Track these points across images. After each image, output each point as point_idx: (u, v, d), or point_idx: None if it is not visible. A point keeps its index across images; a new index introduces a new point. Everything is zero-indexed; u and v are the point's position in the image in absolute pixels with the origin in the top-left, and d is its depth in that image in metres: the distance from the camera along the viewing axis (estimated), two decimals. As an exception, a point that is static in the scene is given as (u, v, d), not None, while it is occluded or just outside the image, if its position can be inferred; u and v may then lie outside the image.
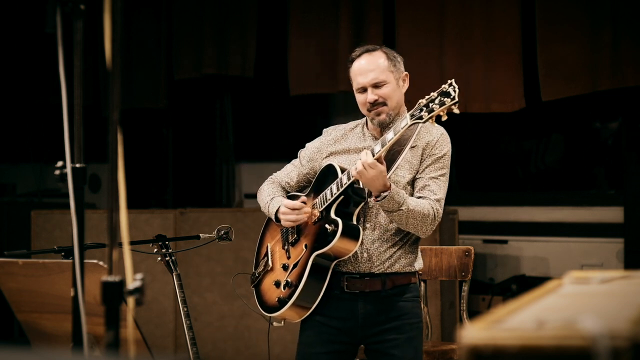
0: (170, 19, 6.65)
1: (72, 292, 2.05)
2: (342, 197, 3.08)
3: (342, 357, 3.19)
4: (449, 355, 3.85)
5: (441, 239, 5.57)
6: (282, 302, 3.15)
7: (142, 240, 3.71)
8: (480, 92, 5.64)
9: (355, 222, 3.09)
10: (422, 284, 4.12)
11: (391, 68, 3.15)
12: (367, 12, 5.94)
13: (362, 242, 3.08)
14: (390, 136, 2.97)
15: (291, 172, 3.37)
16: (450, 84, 2.88)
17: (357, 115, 3.35)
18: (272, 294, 3.22)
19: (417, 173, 3.13)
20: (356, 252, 3.08)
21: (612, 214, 6.29)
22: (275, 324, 3.27)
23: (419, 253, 3.23)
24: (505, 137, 7.54)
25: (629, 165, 6.15)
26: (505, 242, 6.65)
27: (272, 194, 3.32)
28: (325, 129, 3.36)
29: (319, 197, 3.15)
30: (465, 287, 3.98)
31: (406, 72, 3.22)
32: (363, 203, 3.10)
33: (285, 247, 3.24)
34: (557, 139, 7.41)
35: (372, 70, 3.13)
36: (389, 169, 3.02)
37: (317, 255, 3.07)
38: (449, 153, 3.16)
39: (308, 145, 3.37)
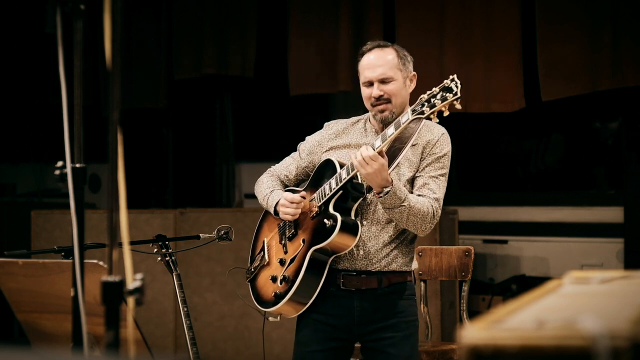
0: (170, 19, 6.65)
1: (72, 292, 2.05)
2: (340, 192, 3.07)
3: (338, 355, 3.18)
4: (449, 355, 3.85)
5: (441, 239, 5.57)
6: (278, 297, 3.14)
7: (142, 240, 3.71)
8: (480, 92, 5.64)
9: (353, 218, 3.09)
10: (422, 284, 4.12)
11: (400, 66, 3.15)
12: (367, 12, 5.94)
13: (360, 238, 3.07)
14: (391, 131, 2.96)
15: (290, 165, 3.36)
16: (452, 80, 2.89)
17: (357, 115, 3.35)
18: (269, 288, 3.21)
19: (417, 171, 3.12)
20: (352, 249, 3.08)
21: (612, 214, 6.29)
22: (270, 319, 3.26)
23: (414, 253, 3.23)
24: (505, 137, 7.54)
25: (629, 165, 6.15)
26: (505, 242, 6.65)
27: (271, 187, 3.30)
28: (326, 123, 3.34)
29: (317, 191, 3.14)
30: (465, 287, 3.98)
31: (414, 73, 3.21)
32: (362, 199, 3.10)
33: (283, 242, 3.23)
34: (557, 139, 7.41)
35: (381, 65, 3.13)
36: (389, 166, 3.01)
37: (315, 250, 3.06)
38: (450, 153, 3.16)
39: (308, 138, 3.36)
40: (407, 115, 2.93)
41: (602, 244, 6.31)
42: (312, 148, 3.30)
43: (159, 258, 3.76)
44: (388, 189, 2.93)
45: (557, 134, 7.38)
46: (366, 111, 3.27)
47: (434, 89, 2.91)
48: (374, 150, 2.93)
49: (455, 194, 7.08)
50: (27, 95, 7.17)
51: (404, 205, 2.96)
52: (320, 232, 3.06)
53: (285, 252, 3.20)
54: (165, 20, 6.66)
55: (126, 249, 1.87)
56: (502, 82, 5.59)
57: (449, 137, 3.18)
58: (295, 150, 3.40)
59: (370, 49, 3.19)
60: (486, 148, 7.57)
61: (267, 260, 3.28)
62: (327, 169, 3.16)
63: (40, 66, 6.90)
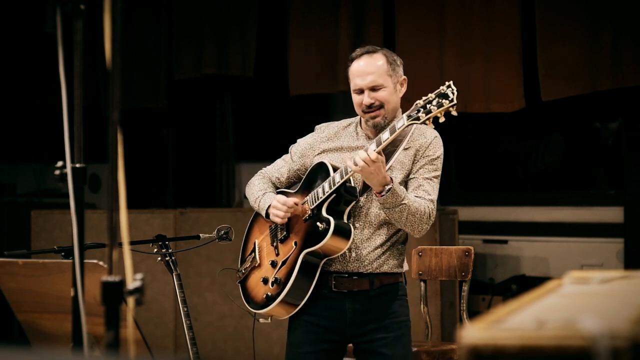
0: (170, 19, 6.65)
1: (72, 292, 2.05)
2: (334, 195, 3.07)
3: (330, 356, 3.19)
4: (449, 355, 3.85)
5: (441, 239, 5.57)
6: (270, 299, 3.14)
7: (142, 240, 3.71)
8: (480, 92, 5.64)
9: (346, 221, 3.09)
10: (422, 284, 4.13)
11: (390, 72, 3.15)
12: (367, 12, 5.94)
13: (352, 241, 3.07)
14: (386, 136, 2.96)
15: (282, 167, 3.35)
16: (449, 86, 2.88)
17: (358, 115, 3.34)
18: (260, 290, 3.21)
19: (409, 174, 3.13)
20: (345, 251, 3.08)
21: (612, 214, 6.29)
22: (261, 320, 3.26)
23: (405, 256, 3.23)
24: (505, 137, 7.54)
25: (629, 165, 6.15)
26: (505, 242, 6.65)
27: (263, 189, 3.30)
28: (317, 126, 3.34)
29: (310, 194, 3.14)
30: (465, 287, 3.98)
31: (404, 77, 3.21)
32: (354, 202, 3.10)
33: (274, 244, 3.23)
34: (557, 139, 7.41)
35: (371, 73, 3.13)
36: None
37: (307, 253, 3.07)
38: (442, 156, 3.17)
39: (300, 141, 3.35)
40: (402, 121, 2.93)
41: (602, 244, 6.31)
42: (304, 151, 3.30)
43: (159, 258, 3.76)
44: (389, 186, 2.93)
45: (557, 134, 7.38)
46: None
47: (430, 94, 2.91)
48: (373, 151, 2.93)
49: (455, 194, 7.09)
50: (27, 95, 7.17)
51: (404, 204, 2.97)
52: (313, 235, 3.07)
53: (277, 254, 3.20)
54: (165, 20, 6.66)
55: (126, 249, 1.87)
56: (502, 82, 5.59)
57: (441, 140, 3.20)
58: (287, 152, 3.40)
59: (359, 55, 3.19)
60: (486, 148, 7.57)
61: (258, 261, 3.28)
62: (319, 171, 3.16)
63: (40, 66, 6.90)
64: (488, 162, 7.53)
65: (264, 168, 3.42)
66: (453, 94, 2.86)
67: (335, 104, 6.99)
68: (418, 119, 2.89)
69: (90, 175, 6.70)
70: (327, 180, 3.08)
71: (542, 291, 1.66)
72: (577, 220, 6.46)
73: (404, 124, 2.92)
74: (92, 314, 2.24)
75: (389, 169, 3.07)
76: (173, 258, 3.75)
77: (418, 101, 2.91)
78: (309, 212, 3.12)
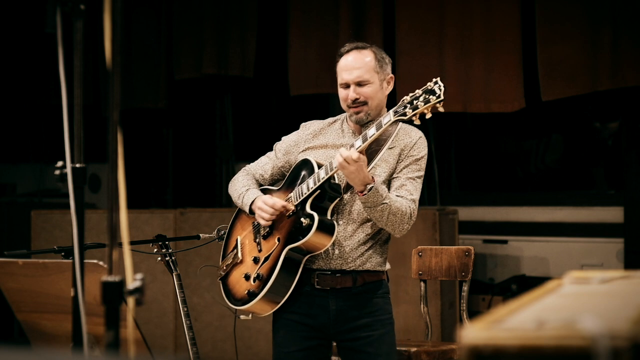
0: (170, 19, 6.65)
1: (72, 292, 2.05)
2: (318, 191, 3.08)
3: (317, 353, 3.19)
4: (449, 355, 3.85)
5: (441, 239, 5.57)
6: (252, 295, 3.13)
7: (142, 240, 3.71)
8: (480, 92, 5.64)
9: (329, 217, 3.09)
10: (422, 284, 4.13)
11: (377, 69, 3.16)
12: (367, 12, 5.94)
13: (335, 238, 3.08)
14: (372, 132, 2.97)
15: (266, 164, 3.36)
16: (436, 82, 2.90)
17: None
18: (242, 286, 3.21)
19: (393, 173, 3.14)
20: (328, 248, 3.08)
21: (612, 214, 6.29)
22: (242, 317, 3.25)
23: (387, 255, 3.24)
24: (505, 137, 7.55)
25: (629, 165, 6.15)
26: (505, 242, 6.65)
27: (247, 185, 3.30)
28: (303, 124, 3.35)
29: (294, 190, 3.15)
30: (465, 287, 3.98)
31: (392, 75, 3.22)
32: (338, 199, 3.10)
33: (257, 240, 3.22)
34: (557, 139, 7.41)
35: (358, 68, 3.14)
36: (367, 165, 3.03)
37: (290, 249, 3.07)
38: (426, 157, 3.18)
39: (284, 138, 3.36)
40: (389, 117, 2.94)
41: (602, 244, 6.31)
42: (289, 148, 3.31)
43: (159, 258, 3.76)
44: (371, 185, 2.95)
45: (557, 134, 7.38)
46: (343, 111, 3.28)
47: (416, 90, 2.92)
48: (355, 149, 2.94)
49: (455, 194, 7.09)
50: (28, 95, 7.17)
51: (385, 203, 2.98)
52: (297, 231, 3.07)
53: (260, 251, 3.20)
54: (165, 20, 6.66)
55: (126, 249, 1.87)
56: (502, 82, 5.59)
57: (426, 141, 3.20)
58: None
59: (348, 51, 3.20)
60: (486, 148, 7.57)
61: (240, 258, 3.27)
62: (304, 168, 3.17)
63: (40, 66, 6.90)
64: (488, 162, 7.53)
65: (248, 165, 3.43)
66: (440, 90, 2.88)
67: (335, 104, 6.98)
68: (405, 114, 2.90)
69: (90, 175, 6.71)
70: (312, 176, 3.09)
71: (542, 291, 1.66)
72: (577, 220, 6.46)
73: (390, 120, 2.93)
74: (92, 314, 2.24)
75: (373, 167, 3.08)
76: (173, 258, 3.75)
77: (405, 97, 2.93)
78: (293, 208, 3.12)
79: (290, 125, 3.45)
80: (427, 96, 2.88)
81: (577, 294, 1.68)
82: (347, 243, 3.12)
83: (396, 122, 2.95)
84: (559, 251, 6.47)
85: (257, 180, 3.36)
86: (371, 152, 3.07)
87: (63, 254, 3.32)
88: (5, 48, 7.12)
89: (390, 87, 3.21)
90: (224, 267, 3.33)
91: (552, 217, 6.55)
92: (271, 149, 3.41)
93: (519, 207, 6.71)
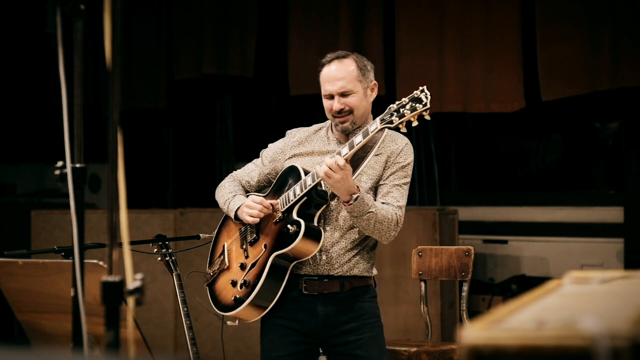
0: (170, 19, 6.65)
1: (72, 292, 2.05)
2: (304, 198, 3.08)
3: (305, 358, 3.20)
4: (449, 355, 3.85)
5: (441, 239, 5.57)
6: (238, 302, 3.14)
7: (142, 240, 3.72)
8: (480, 92, 5.64)
9: (316, 224, 3.10)
10: (422, 284, 4.13)
11: (360, 77, 3.16)
12: (367, 12, 5.94)
13: (322, 244, 3.08)
14: (359, 139, 2.98)
15: (252, 171, 3.37)
16: (422, 90, 2.90)
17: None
18: (228, 293, 3.21)
19: (379, 180, 3.14)
20: (315, 254, 3.09)
21: (612, 214, 6.29)
22: (229, 323, 3.25)
23: (374, 260, 3.24)
24: (505, 137, 7.55)
25: (629, 165, 6.15)
26: (505, 242, 6.65)
27: (233, 192, 3.31)
28: (288, 131, 3.37)
29: (281, 197, 3.15)
30: (465, 287, 3.98)
31: (375, 82, 3.23)
32: (325, 206, 3.11)
33: (244, 247, 3.23)
34: (557, 139, 7.41)
35: (341, 78, 3.14)
36: (352, 174, 3.03)
37: (277, 256, 3.07)
38: (412, 163, 3.19)
39: (271, 145, 3.38)
40: (375, 124, 2.95)
41: (602, 244, 6.31)
42: (275, 155, 3.32)
43: (159, 258, 3.76)
44: (357, 195, 2.95)
45: (557, 134, 7.38)
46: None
47: (403, 99, 2.93)
48: (342, 157, 2.95)
49: (455, 194, 7.09)
50: (28, 95, 7.16)
51: (372, 212, 2.99)
52: (283, 238, 3.07)
53: (247, 257, 3.20)
54: (165, 20, 6.66)
55: (126, 249, 1.87)
56: (502, 82, 5.59)
57: (412, 148, 3.22)
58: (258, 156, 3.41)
59: (329, 61, 3.21)
60: (486, 148, 7.57)
61: (227, 264, 3.28)
62: (291, 175, 3.18)
63: (41, 66, 6.90)
64: (488, 162, 7.53)
65: (234, 172, 3.44)
66: (426, 98, 2.88)
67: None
68: (391, 122, 2.91)
69: (90, 175, 6.71)
70: (299, 183, 3.09)
71: (542, 291, 1.66)
72: (577, 220, 6.46)
73: (377, 128, 2.93)
74: (92, 314, 2.24)
75: (359, 174, 3.08)
76: (173, 258, 3.76)
77: (391, 105, 2.94)
78: (280, 214, 3.13)
79: (290, 125, 3.45)
80: (413, 104, 2.89)
81: (577, 294, 1.68)
82: (334, 249, 3.13)
83: (382, 129, 2.96)
84: (559, 251, 6.47)
85: (243, 187, 3.37)
86: (357, 159, 3.07)
87: (63, 254, 3.32)
88: (5, 48, 7.12)
89: (374, 94, 3.22)
90: (211, 273, 3.33)
91: (552, 217, 6.55)
92: None
93: (519, 207, 6.70)
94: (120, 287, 1.87)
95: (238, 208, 3.22)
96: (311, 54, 6.11)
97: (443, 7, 5.72)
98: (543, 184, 7.35)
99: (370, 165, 3.12)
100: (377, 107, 3.17)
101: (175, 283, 3.73)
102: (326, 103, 3.19)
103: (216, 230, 3.43)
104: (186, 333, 3.72)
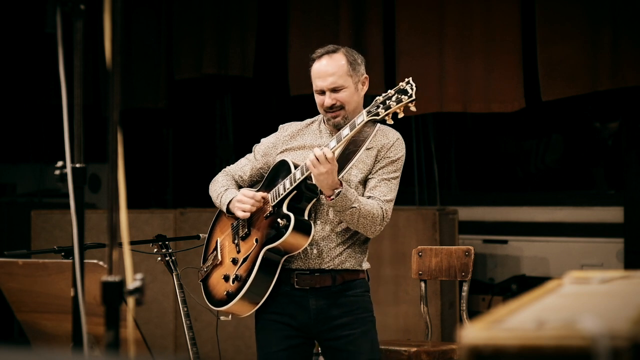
0: (170, 19, 6.64)
1: (72, 292, 2.05)
2: (294, 192, 3.10)
3: (301, 351, 3.21)
4: (449, 355, 3.85)
5: (441, 239, 5.57)
6: (230, 296, 3.15)
7: (142, 240, 3.72)
8: (480, 92, 5.63)
9: (306, 218, 3.10)
10: (422, 284, 4.13)
11: (350, 72, 3.18)
12: (367, 12, 5.94)
13: (313, 238, 3.09)
14: (346, 132, 3.00)
15: (245, 166, 3.39)
16: (408, 82, 2.94)
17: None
18: (221, 287, 3.23)
19: (369, 173, 3.15)
20: (306, 248, 3.10)
21: (612, 214, 6.29)
22: (222, 318, 3.27)
23: (367, 254, 3.25)
24: (505, 137, 7.54)
25: (629, 165, 6.15)
26: (505, 242, 6.65)
27: (225, 186, 3.34)
28: (281, 125, 3.38)
29: (271, 191, 3.17)
30: (465, 287, 3.98)
31: (366, 75, 3.24)
32: (315, 199, 3.12)
33: (236, 241, 3.25)
34: (557, 139, 7.41)
35: (331, 74, 3.16)
36: (343, 168, 3.05)
37: (268, 250, 3.09)
38: (403, 158, 3.20)
39: (263, 140, 3.40)
40: (362, 117, 2.97)
41: (602, 244, 6.31)
42: (267, 150, 3.34)
43: (159, 258, 3.77)
44: (339, 190, 2.96)
45: (557, 134, 7.38)
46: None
47: (389, 91, 2.95)
48: (330, 150, 2.96)
49: (455, 194, 7.09)
50: (28, 95, 7.16)
51: (354, 207, 3.00)
52: (274, 232, 3.09)
53: (238, 252, 3.22)
54: (165, 20, 6.66)
55: (126, 249, 1.87)
56: (502, 82, 5.59)
57: (403, 142, 3.22)
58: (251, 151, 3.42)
59: (320, 56, 3.23)
60: (486, 148, 7.57)
61: (220, 259, 3.30)
62: (281, 169, 3.19)
63: (41, 66, 6.90)
64: (488, 162, 7.53)
65: (227, 167, 3.46)
66: (412, 89, 2.91)
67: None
68: (377, 114, 2.93)
69: (90, 175, 6.71)
70: (288, 177, 3.11)
71: (542, 291, 1.66)
72: (577, 220, 6.46)
73: (363, 120, 2.96)
74: (92, 314, 2.24)
75: (350, 167, 3.10)
76: (173, 258, 3.76)
77: (378, 97, 2.96)
78: (270, 209, 3.14)
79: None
80: (399, 96, 2.91)
81: (577, 294, 1.68)
82: (325, 243, 3.14)
83: (371, 122, 2.97)
84: (559, 251, 6.47)
85: (236, 182, 3.40)
86: (348, 153, 3.09)
87: (63, 254, 3.32)
88: (5, 48, 7.12)
89: (366, 88, 3.24)
90: (204, 269, 3.35)
91: (552, 217, 6.55)
92: None
93: (519, 207, 6.70)
94: (120, 287, 1.87)
95: (230, 202, 3.23)
96: (311, 54, 6.11)
97: (443, 7, 5.71)
98: (543, 184, 7.35)
99: (361, 159, 3.13)
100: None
101: (175, 283, 3.73)
102: (318, 98, 3.20)
103: (210, 227, 3.44)
104: (186, 333, 3.72)
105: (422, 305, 4.09)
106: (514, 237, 6.63)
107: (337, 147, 2.99)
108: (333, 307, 3.14)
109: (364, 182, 3.16)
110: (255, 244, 3.15)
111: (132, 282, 1.88)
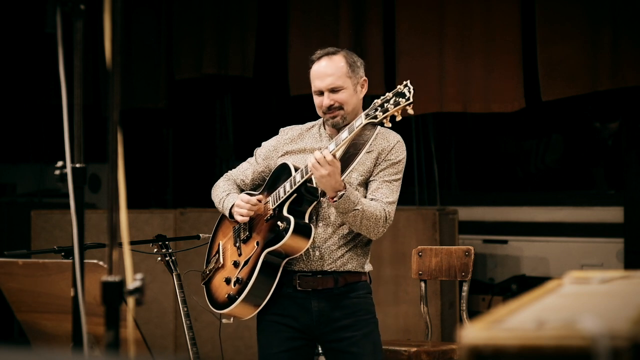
0: (170, 19, 6.65)
1: (72, 292, 2.05)
2: (295, 195, 3.10)
3: (302, 353, 3.21)
4: (449, 355, 3.85)
5: (441, 239, 5.57)
6: (231, 299, 3.16)
7: (142, 240, 3.72)
8: (480, 92, 5.64)
9: (307, 221, 3.11)
10: (422, 284, 4.13)
11: (349, 74, 3.18)
12: (367, 12, 5.94)
13: (313, 241, 3.10)
14: (344, 135, 3.01)
15: (246, 170, 3.40)
16: (406, 85, 2.93)
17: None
18: (222, 290, 3.23)
19: (370, 176, 3.16)
20: (308, 250, 3.11)
21: (612, 214, 6.29)
22: (224, 321, 3.28)
23: (369, 256, 3.26)
24: (505, 137, 7.54)
25: (629, 165, 6.15)
26: (505, 242, 6.65)
27: (227, 190, 3.35)
28: (282, 129, 3.39)
29: (272, 194, 3.18)
30: (465, 287, 3.98)
31: (365, 78, 3.24)
32: (315, 202, 3.13)
33: (237, 245, 3.26)
34: (557, 139, 7.41)
35: (330, 75, 3.17)
36: (343, 171, 3.05)
37: (269, 253, 3.09)
38: (404, 160, 3.20)
39: (264, 143, 3.41)
40: (360, 120, 2.97)
41: (602, 244, 6.31)
42: (268, 153, 3.35)
43: (159, 258, 3.77)
44: (342, 192, 2.97)
45: (557, 134, 7.38)
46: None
47: (387, 94, 2.95)
48: (330, 152, 2.97)
49: (455, 194, 7.09)
50: (28, 95, 7.16)
51: (357, 209, 3.00)
52: (274, 235, 3.09)
53: (240, 255, 3.23)
54: (165, 20, 6.66)
55: (126, 249, 1.87)
56: (502, 82, 5.59)
57: (404, 145, 3.23)
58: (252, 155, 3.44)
59: (319, 57, 3.24)
60: (486, 148, 7.57)
61: (222, 262, 3.31)
62: (282, 172, 3.20)
63: (41, 66, 6.90)
64: (488, 162, 7.53)
65: (229, 171, 3.47)
66: (410, 92, 2.91)
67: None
68: (376, 117, 2.93)
69: (90, 175, 6.71)
70: (289, 180, 3.12)
71: (542, 291, 1.66)
72: (577, 220, 6.46)
73: (362, 123, 2.96)
74: (92, 314, 2.24)
75: (350, 171, 3.10)
76: (173, 258, 3.76)
77: (376, 100, 2.96)
78: (271, 212, 3.15)
79: (289, 125, 3.46)
80: (397, 99, 2.92)
81: (577, 294, 1.68)
82: (327, 245, 3.14)
83: (370, 125, 2.98)
84: (559, 251, 6.47)
85: (238, 186, 3.40)
86: (349, 156, 3.10)
87: (63, 254, 3.32)
88: (5, 48, 7.12)
89: (365, 90, 3.24)
90: (207, 272, 3.35)
91: (552, 217, 6.55)
92: None
93: (519, 207, 6.70)
94: (120, 287, 1.87)
95: (232, 206, 3.24)
96: (311, 54, 6.10)
97: (443, 7, 5.71)
98: (543, 184, 7.35)
99: (361, 162, 3.14)
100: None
101: (175, 283, 3.73)
102: (316, 100, 3.21)
103: (213, 230, 3.45)
104: (186, 333, 3.72)
105: (422, 305, 4.09)
106: (514, 237, 6.63)
107: (336, 150, 2.99)
108: (335, 309, 3.15)
109: (365, 184, 3.16)
110: (256, 247, 3.15)
111: (132, 282, 1.88)
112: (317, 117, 3.39)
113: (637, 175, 6.10)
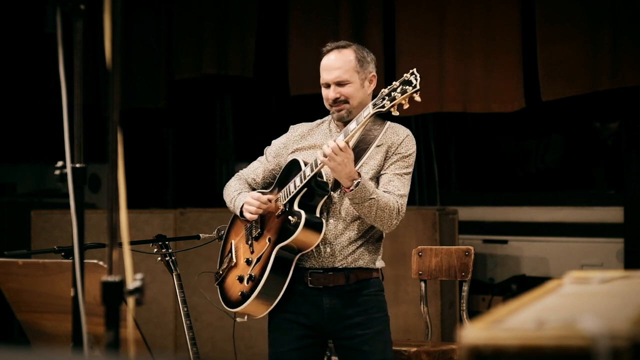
0: (170, 19, 6.65)
1: (72, 292, 2.05)
2: (305, 189, 3.10)
3: (313, 351, 3.21)
4: (449, 355, 3.85)
5: (441, 239, 5.57)
6: (245, 296, 3.16)
7: (142, 240, 3.72)
8: (480, 92, 5.64)
9: (318, 216, 3.11)
10: (422, 284, 4.12)
11: (357, 68, 3.19)
12: (367, 12, 5.94)
13: (324, 237, 3.10)
14: (353, 126, 3.02)
15: (257, 168, 3.40)
16: (412, 73, 2.95)
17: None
18: (236, 289, 3.24)
19: (380, 170, 3.16)
20: (319, 246, 3.11)
21: (612, 214, 6.28)
22: (239, 319, 3.29)
23: (381, 253, 3.25)
24: (505, 137, 7.54)
25: (629, 165, 6.15)
26: (505, 242, 6.65)
27: (239, 190, 3.35)
28: (291, 126, 3.40)
29: (282, 190, 3.18)
30: (465, 287, 3.98)
31: (374, 73, 3.25)
32: (326, 196, 3.13)
33: (249, 242, 3.26)
34: (557, 139, 7.41)
35: (338, 68, 3.18)
36: (354, 165, 3.05)
37: (281, 248, 3.10)
38: (414, 154, 3.21)
39: (274, 141, 3.41)
40: (368, 110, 2.99)
41: (602, 244, 6.31)
42: (278, 150, 3.35)
43: (159, 258, 3.77)
44: (358, 180, 2.97)
45: (557, 134, 7.38)
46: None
47: (394, 82, 2.96)
48: (342, 140, 2.98)
49: (455, 194, 7.09)
50: (28, 95, 7.16)
51: (373, 199, 3.00)
52: (285, 230, 3.10)
53: (252, 252, 3.23)
54: (165, 20, 6.66)
55: (126, 249, 1.87)
56: (502, 82, 5.59)
57: (414, 139, 3.23)
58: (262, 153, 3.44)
59: (329, 50, 3.25)
60: (486, 148, 7.57)
61: (235, 261, 3.31)
62: (292, 168, 3.21)
63: (41, 66, 6.90)
64: (488, 162, 7.53)
65: (240, 170, 3.48)
66: (416, 80, 2.92)
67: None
68: (383, 106, 2.94)
69: (90, 175, 6.71)
70: (299, 175, 3.12)
71: (542, 291, 1.66)
72: (577, 220, 6.46)
73: (370, 112, 2.97)
74: (92, 314, 2.24)
75: (360, 165, 3.11)
76: (173, 258, 3.76)
77: (383, 90, 2.97)
78: (282, 208, 3.15)
79: (290, 125, 3.46)
80: (404, 87, 2.93)
81: (577, 294, 1.68)
82: (338, 241, 3.14)
83: (380, 118, 3.00)
84: (559, 251, 6.47)
85: (249, 185, 3.40)
86: (359, 150, 3.10)
87: (63, 254, 3.32)
88: (5, 48, 7.12)
89: (373, 85, 3.25)
90: (220, 272, 3.36)
91: (552, 217, 6.55)
92: None
93: (519, 207, 6.70)
94: (120, 287, 1.87)
95: (243, 205, 3.24)
96: (311, 54, 6.11)
97: (443, 7, 5.72)
98: (543, 184, 7.35)
99: (372, 156, 3.14)
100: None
101: (175, 283, 3.73)
102: (324, 92, 3.23)
103: (225, 230, 3.46)
104: (186, 333, 3.72)
105: (422, 305, 4.09)
106: (514, 237, 6.63)
107: (347, 139, 2.99)
108: (347, 306, 3.14)
109: (375, 179, 3.16)
110: (268, 243, 3.16)
111: (132, 282, 1.88)
112: (316, 117, 3.40)
113: (637, 175, 6.10)
